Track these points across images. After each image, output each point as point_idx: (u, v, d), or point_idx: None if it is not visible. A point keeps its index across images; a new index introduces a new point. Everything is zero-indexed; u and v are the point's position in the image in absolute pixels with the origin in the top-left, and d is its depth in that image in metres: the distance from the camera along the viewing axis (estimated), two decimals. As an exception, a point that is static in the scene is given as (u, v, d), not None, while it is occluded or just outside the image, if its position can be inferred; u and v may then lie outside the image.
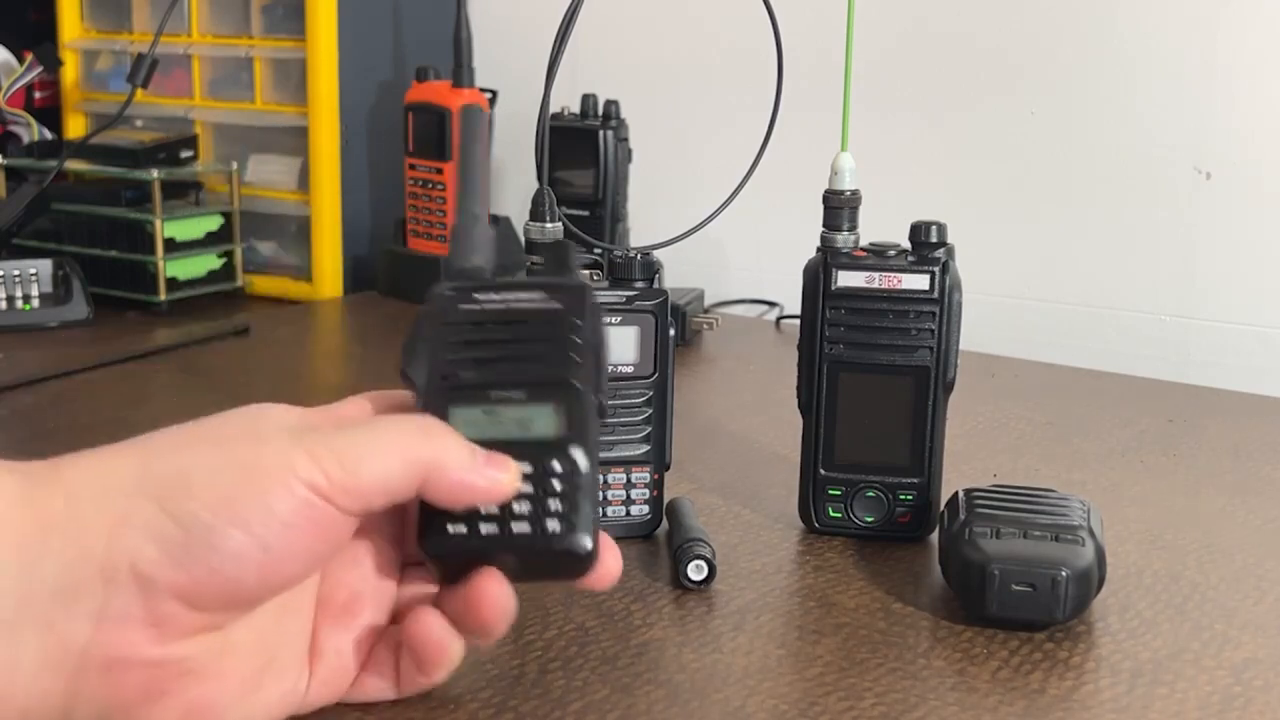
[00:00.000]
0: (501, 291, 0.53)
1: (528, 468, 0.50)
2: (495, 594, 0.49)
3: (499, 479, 0.49)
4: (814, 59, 0.92)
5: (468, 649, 0.51)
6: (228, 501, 0.44)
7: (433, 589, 0.52)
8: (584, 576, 0.51)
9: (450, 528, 0.50)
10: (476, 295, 0.53)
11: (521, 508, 0.50)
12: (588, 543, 0.50)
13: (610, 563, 0.51)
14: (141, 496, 0.44)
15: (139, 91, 1.24)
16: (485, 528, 0.50)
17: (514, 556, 0.50)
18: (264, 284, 1.33)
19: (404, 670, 0.51)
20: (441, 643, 0.50)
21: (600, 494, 0.69)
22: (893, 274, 0.68)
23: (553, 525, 0.50)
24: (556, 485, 0.50)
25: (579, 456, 0.51)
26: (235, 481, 0.44)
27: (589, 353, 0.53)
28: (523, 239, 0.68)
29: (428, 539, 0.50)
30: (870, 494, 0.70)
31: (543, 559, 0.50)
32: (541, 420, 0.51)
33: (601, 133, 1.23)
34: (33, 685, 0.43)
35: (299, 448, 0.45)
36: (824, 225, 0.70)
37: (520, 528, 0.50)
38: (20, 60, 1.39)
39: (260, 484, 0.45)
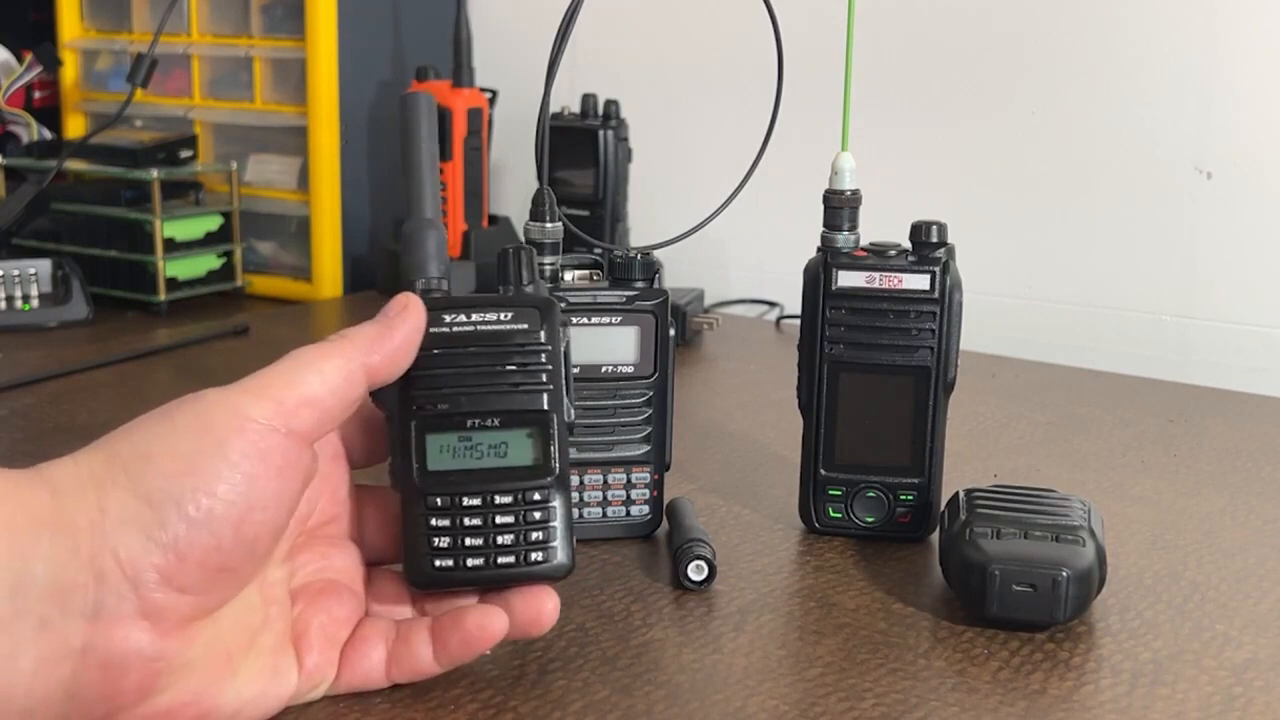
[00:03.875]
0: (470, 311, 0.54)
1: (509, 499, 0.52)
2: (551, 610, 0.52)
3: (412, 310, 0.51)
4: (814, 59, 0.91)
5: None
6: (188, 464, 0.45)
7: (400, 589, 0.54)
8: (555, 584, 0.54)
9: (437, 562, 0.52)
10: (445, 316, 0.54)
11: (505, 539, 0.52)
12: (563, 569, 0.53)
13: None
14: (111, 484, 0.44)
15: (139, 91, 1.24)
16: (471, 561, 0.52)
17: (494, 578, 0.52)
18: (264, 284, 1.33)
19: (402, 661, 0.52)
20: (496, 639, 0.52)
21: (600, 494, 0.69)
22: (893, 274, 0.68)
23: (535, 555, 0.52)
24: (536, 516, 0.52)
25: (555, 486, 0.53)
26: (191, 442, 0.45)
27: (558, 374, 0.54)
28: (523, 239, 0.68)
29: (415, 574, 0.52)
30: (870, 494, 0.70)
31: (522, 581, 0.53)
32: (517, 446, 0.53)
33: (601, 133, 1.23)
34: (33, 685, 0.43)
35: (239, 392, 0.47)
36: (824, 225, 0.70)
37: (505, 559, 0.52)
38: (20, 60, 1.39)
39: (214, 436, 0.45)
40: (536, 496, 0.52)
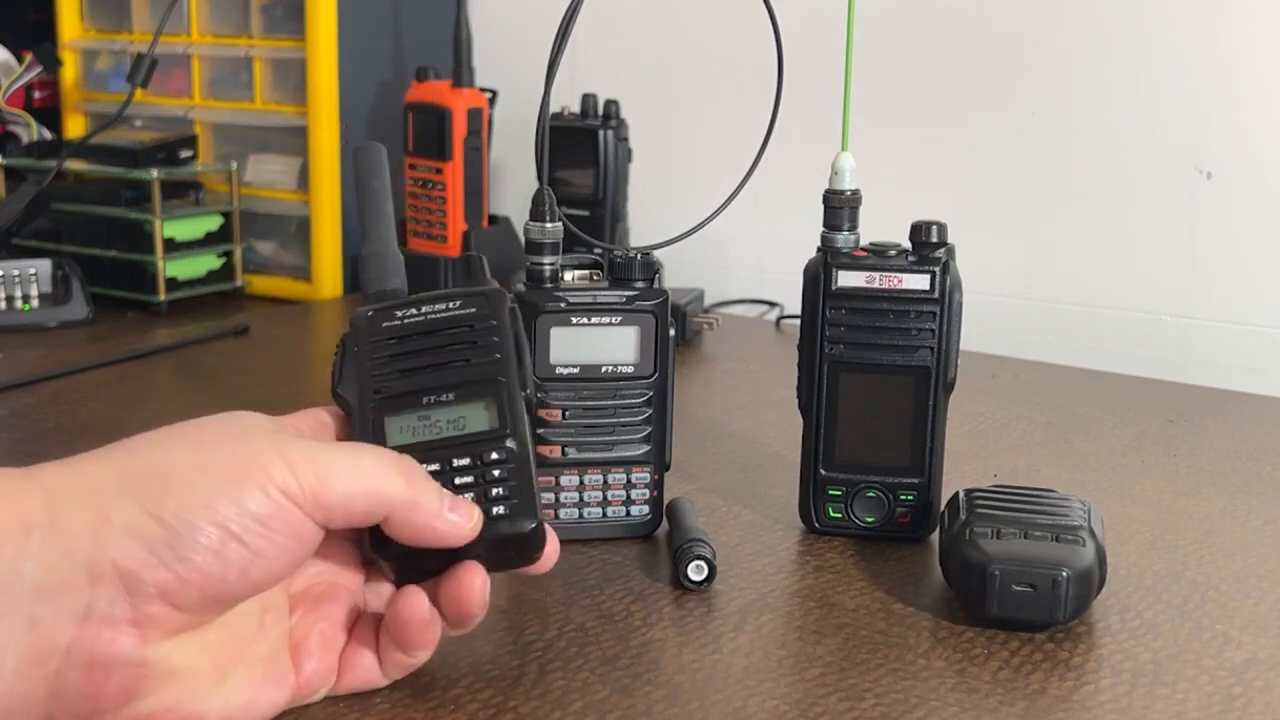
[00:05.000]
0: (420, 305, 0.56)
1: (466, 460, 0.53)
2: (480, 586, 0.51)
3: (461, 524, 0.50)
4: (814, 59, 0.91)
5: (465, 643, 0.53)
6: (206, 500, 0.45)
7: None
8: (532, 560, 0.53)
9: None
10: (397, 312, 0.56)
11: (467, 498, 0.52)
12: (530, 523, 0.52)
13: (550, 547, 0.54)
14: (120, 496, 0.44)
15: (138, 91, 1.24)
16: None
17: (463, 547, 0.51)
18: (263, 284, 1.33)
19: (387, 654, 0.52)
20: (427, 623, 0.51)
21: (600, 494, 0.69)
22: (893, 274, 0.68)
23: (497, 510, 0.52)
24: (496, 473, 0.53)
25: (514, 446, 0.53)
26: (212, 480, 0.45)
27: (509, 349, 0.55)
28: (523, 239, 0.68)
29: (380, 544, 0.52)
30: (870, 494, 0.70)
31: (491, 547, 0.52)
32: (474, 417, 0.54)
33: (601, 133, 1.23)
34: (15, 683, 0.43)
35: (275, 452, 0.47)
36: (824, 225, 0.70)
37: None
38: (20, 60, 1.39)
39: (237, 483, 0.45)
40: (494, 456, 0.53)
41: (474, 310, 0.56)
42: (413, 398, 0.54)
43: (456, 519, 0.50)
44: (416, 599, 0.51)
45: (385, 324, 0.55)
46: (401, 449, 0.53)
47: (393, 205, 0.61)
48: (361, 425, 0.54)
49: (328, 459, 0.48)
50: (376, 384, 0.54)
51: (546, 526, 0.54)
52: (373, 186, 0.61)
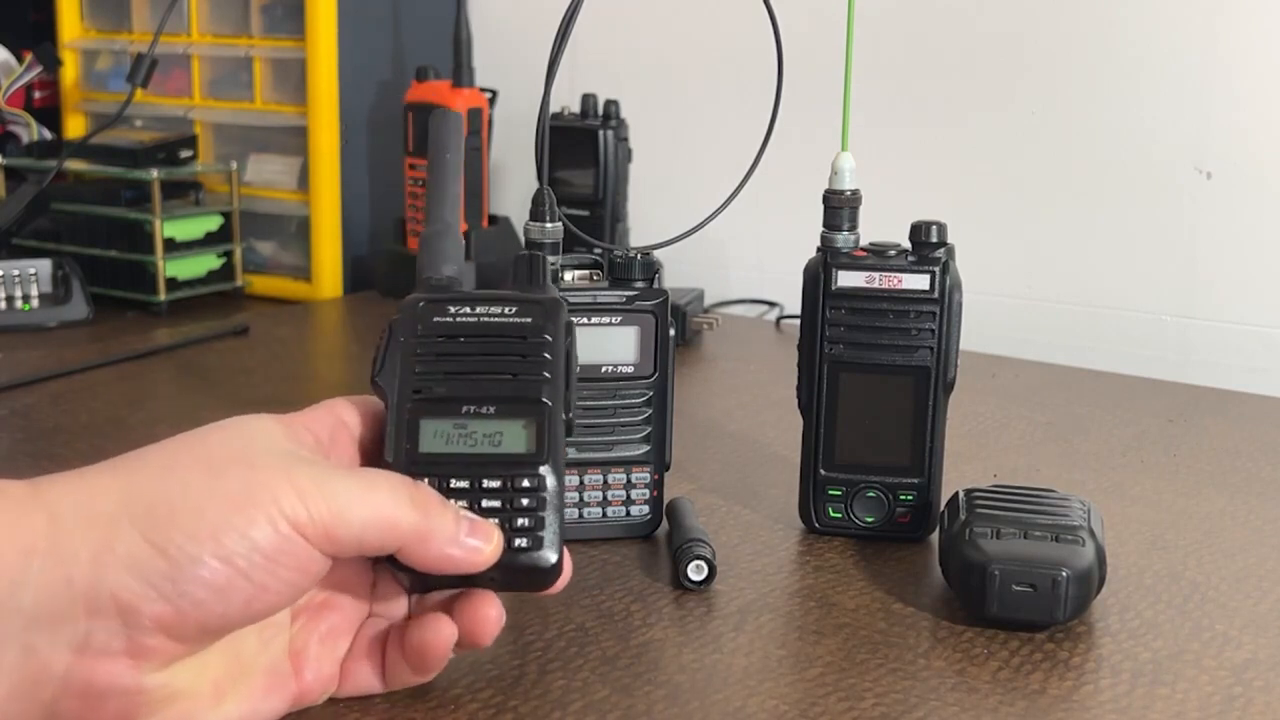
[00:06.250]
0: (475, 305, 0.54)
1: (496, 483, 0.51)
2: (495, 619, 0.51)
3: (480, 549, 0.49)
4: (814, 59, 0.91)
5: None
6: (212, 532, 0.44)
7: (400, 589, 0.53)
8: (545, 589, 0.52)
9: None
10: (450, 307, 0.54)
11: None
12: (552, 558, 0.51)
13: (563, 578, 0.52)
14: (124, 522, 0.43)
15: (139, 91, 1.24)
16: None
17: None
18: (264, 284, 1.33)
19: (394, 667, 0.52)
20: (448, 649, 0.51)
21: (600, 494, 0.69)
22: (893, 274, 0.68)
23: (519, 541, 0.51)
24: (524, 502, 0.51)
25: (547, 474, 0.52)
26: (220, 511, 0.44)
27: (559, 369, 0.53)
28: (523, 239, 0.68)
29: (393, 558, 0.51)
30: (870, 494, 0.70)
31: (506, 572, 0.51)
32: (512, 435, 0.52)
33: (601, 133, 1.23)
34: (10, 709, 0.43)
35: (287, 482, 0.45)
36: (824, 225, 0.70)
37: None
38: (20, 60, 1.39)
39: (245, 514, 0.44)
40: (525, 484, 0.51)
41: (529, 320, 0.54)
42: (452, 404, 0.52)
43: (475, 543, 0.49)
44: (446, 629, 0.50)
45: (436, 318, 0.53)
46: (433, 456, 0.51)
47: (461, 183, 0.58)
48: (396, 422, 0.52)
49: (339, 489, 0.46)
50: (418, 382, 0.52)
51: (566, 557, 0.52)
52: (443, 161, 0.58)
